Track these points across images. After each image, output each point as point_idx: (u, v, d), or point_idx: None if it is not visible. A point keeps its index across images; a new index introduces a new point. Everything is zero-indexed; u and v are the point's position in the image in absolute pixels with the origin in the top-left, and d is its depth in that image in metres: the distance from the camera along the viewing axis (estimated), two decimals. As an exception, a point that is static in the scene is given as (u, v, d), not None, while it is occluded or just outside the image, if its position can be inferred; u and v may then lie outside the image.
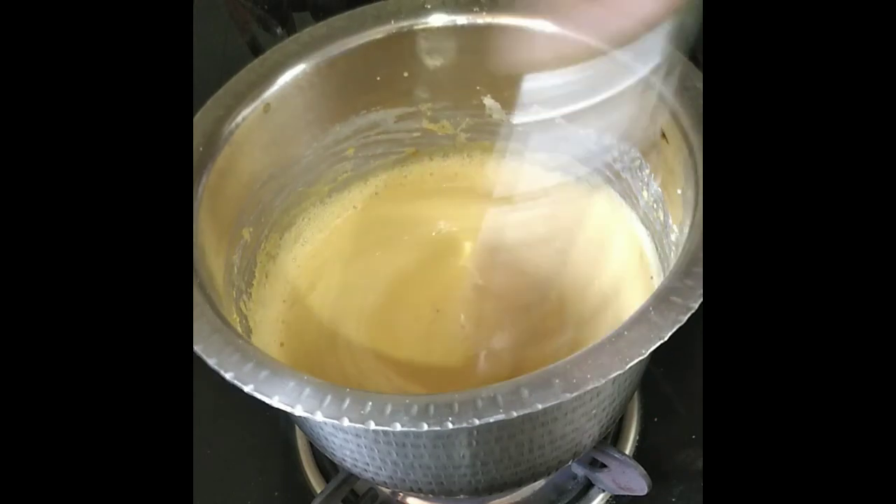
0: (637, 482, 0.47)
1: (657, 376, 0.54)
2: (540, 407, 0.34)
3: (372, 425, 0.34)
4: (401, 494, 0.52)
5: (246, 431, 0.54)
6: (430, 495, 0.49)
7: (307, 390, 0.35)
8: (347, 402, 0.35)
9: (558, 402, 0.34)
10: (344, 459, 0.43)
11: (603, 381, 0.34)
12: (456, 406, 0.34)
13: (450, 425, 0.34)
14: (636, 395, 0.54)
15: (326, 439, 0.42)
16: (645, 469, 0.47)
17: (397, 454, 0.40)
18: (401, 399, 0.35)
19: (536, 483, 0.51)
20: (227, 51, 0.66)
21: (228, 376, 0.36)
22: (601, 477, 0.49)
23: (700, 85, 0.42)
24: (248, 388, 0.35)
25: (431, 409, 0.34)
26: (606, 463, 0.48)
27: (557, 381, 0.34)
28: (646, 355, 0.34)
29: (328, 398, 0.35)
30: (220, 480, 0.52)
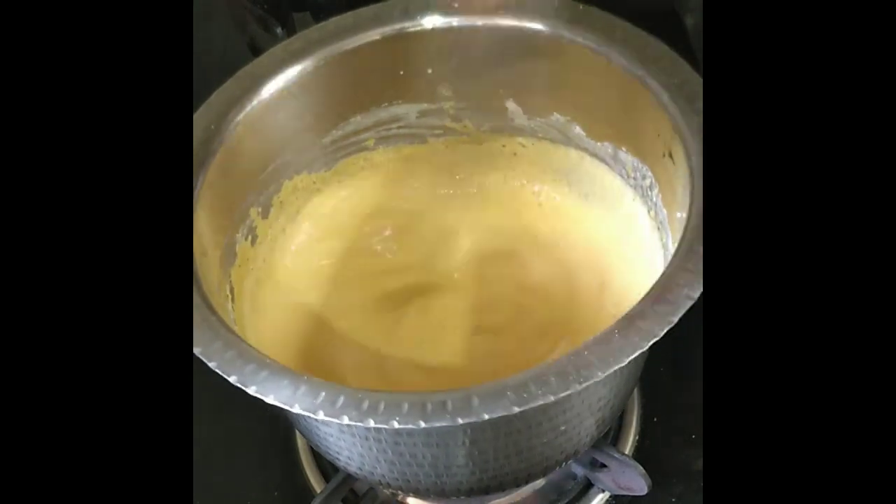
0: (637, 482, 0.47)
1: (657, 376, 0.53)
2: (486, 417, 0.33)
3: (321, 415, 0.34)
4: (401, 494, 0.52)
5: (246, 431, 0.54)
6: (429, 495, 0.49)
7: (264, 373, 0.35)
8: (302, 388, 0.35)
9: (506, 414, 0.33)
10: (328, 451, 0.43)
11: (553, 399, 0.33)
12: (405, 406, 0.34)
13: (395, 424, 0.34)
14: (636, 396, 0.53)
15: (304, 426, 0.43)
16: (645, 469, 0.47)
17: (362, 447, 0.40)
18: (354, 393, 0.35)
19: (536, 482, 0.51)
20: (227, 51, 0.66)
21: (196, 351, 0.37)
22: (601, 477, 0.49)
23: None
24: (212, 365, 0.36)
25: (381, 406, 0.34)
26: (606, 463, 0.48)
27: (510, 393, 0.34)
28: (602, 377, 0.34)
29: (284, 383, 0.35)
30: (220, 480, 0.53)
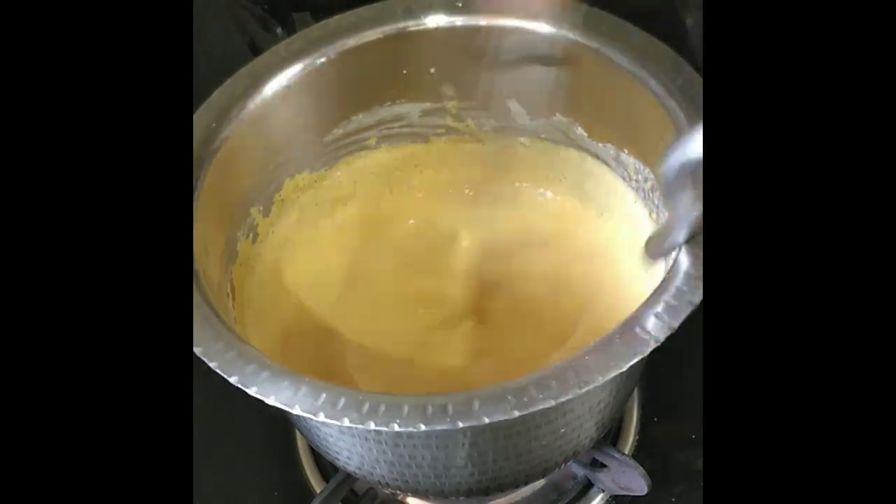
0: (637, 482, 0.47)
1: (657, 376, 0.53)
2: (487, 421, 0.33)
3: (322, 417, 0.34)
4: (400, 494, 0.52)
5: (246, 431, 0.54)
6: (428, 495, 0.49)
7: (265, 374, 0.36)
8: (303, 390, 0.35)
9: (506, 418, 0.33)
10: (328, 451, 0.43)
11: (553, 403, 0.33)
12: (405, 409, 0.34)
13: (396, 427, 0.34)
14: (636, 396, 0.53)
15: (304, 426, 0.43)
16: (645, 469, 0.47)
17: (362, 448, 0.40)
18: (355, 395, 0.35)
19: (536, 483, 0.51)
20: (227, 51, 0.66)
21: (197, 351, 0.37)
22: (601, 477, 0.49)
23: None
24: (212, 365, 0.36)
25: (382, 408, 0.34)
26: (606, 463, 0.48)
27: (510, 397, 0.34)
28: (602, 382, 0.34)
29: (285, 384, 0.35)
30: (221, 480, 0.53)
